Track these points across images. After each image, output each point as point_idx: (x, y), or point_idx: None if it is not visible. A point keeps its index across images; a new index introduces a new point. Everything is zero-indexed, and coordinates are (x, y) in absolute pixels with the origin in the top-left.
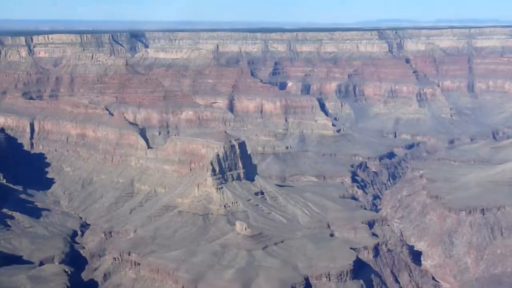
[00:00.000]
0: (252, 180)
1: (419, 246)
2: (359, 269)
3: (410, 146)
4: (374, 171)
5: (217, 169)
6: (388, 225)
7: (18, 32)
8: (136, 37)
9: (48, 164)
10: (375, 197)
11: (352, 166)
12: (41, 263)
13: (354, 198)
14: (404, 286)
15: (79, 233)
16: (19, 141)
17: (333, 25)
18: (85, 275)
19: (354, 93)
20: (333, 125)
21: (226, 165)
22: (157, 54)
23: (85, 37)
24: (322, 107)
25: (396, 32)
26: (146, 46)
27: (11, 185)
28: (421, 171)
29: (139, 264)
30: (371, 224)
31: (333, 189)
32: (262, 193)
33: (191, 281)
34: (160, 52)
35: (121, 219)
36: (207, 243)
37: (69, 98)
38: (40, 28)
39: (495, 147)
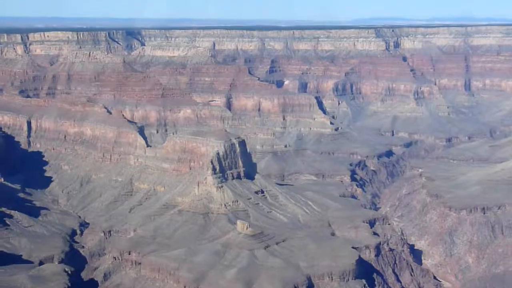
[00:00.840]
0: (252, 178)
1: (420, 245)
2: (361, 268)
3: (408, 145)
4: (372, 170)
5: (217, 167)
6: (389, 224)
7: (13, 29)
8: (132, 34)
9: (46, 163)
10: (374, 195)
11: (350, 164)
12: (41, 263)
13: (353, 196)
14: (405, 285)
15: (78, 232)
16: (16, 139)
17: (330, 23)
18: (85, 275)
19: (351, 91)
20: (331, 123)
21: (226, 164)
22: (154, 52)
23: (81, 35)
24: (320, 105)
25: (393, 30)
26: (143, 44)
27: (9, 184)
28: (420, 170)
29: (139, 263)
30: (371, 223)
31: (333, 187)
32: (263, 191)
33: (193, 280)
34: (157, 50)
35: (121, 218)
36: (208, 242)
37: (67, 96)
38: (35, 26)
39: (493, 146)
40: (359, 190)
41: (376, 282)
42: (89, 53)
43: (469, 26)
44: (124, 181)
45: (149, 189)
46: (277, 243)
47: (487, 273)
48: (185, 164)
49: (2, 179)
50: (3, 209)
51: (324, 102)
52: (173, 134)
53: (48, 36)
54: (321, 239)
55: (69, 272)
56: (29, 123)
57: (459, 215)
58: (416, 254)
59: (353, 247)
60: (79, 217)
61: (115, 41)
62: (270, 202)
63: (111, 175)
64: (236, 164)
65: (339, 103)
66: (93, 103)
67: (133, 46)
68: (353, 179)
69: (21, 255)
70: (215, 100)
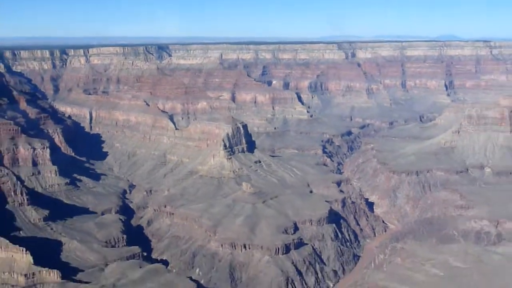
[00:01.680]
0: (252, 152)
1: (372, 198)
2: (332, 216)
3: (362, 127)
4: (337, 145)
5: (227, 144)
6: (350, 184)
7: (77, 46)
8: (162, 48)
9: (103, 142)
10: (339, 163)
11: (322, 141)
12: (102, 213)
13: (324, 164)
14: (363, 227)
15: (128, 191)
16: (81, 125)
17: (304, 39)
18: (133, 222)
19: (321, 88)
20: (307, 111)
21: (234, 142)
22: (178, 61)
23: (126, 49)
24: (299, 98)
25: (350, 45)
26: (170, 55)
27: (78, 157)
28: (371, 145)
29: (172, 213)
30: (338, 183)
31: (310, 158)
32: (260, 161)
33: (211, 226)
34: (180, 59)
35: (158, 181)
36: (222, 198)
37: (117, 93)
38: (92, 43)
39: (422, 127)
40: (328, 160)
41: (342, 226)
42: (132, 62)
43: (404, 42)
44: (159, 154)
45: (177, 160)
46: (271, 199)
47: (419, 217)
48: (204, 142)
49: (73, 153)
50: (75, 175)
51: (302, 96)
52: (194, 120)
53: (102, 50)
54: (303, 195)
55: (123, 220)
56: (90, 113)
57: (400, 177)
58: (370, 205)
59: (326, 201)
60: (128, 180)
61: (150, 53)
62: (265, 169)
63: (150, 150)
64: (241, 141)
65: (312, 97)
66: (136, 98)
67: (163, 57)
68: (324, 152)
69: (88, 208)
70: (223, 95)
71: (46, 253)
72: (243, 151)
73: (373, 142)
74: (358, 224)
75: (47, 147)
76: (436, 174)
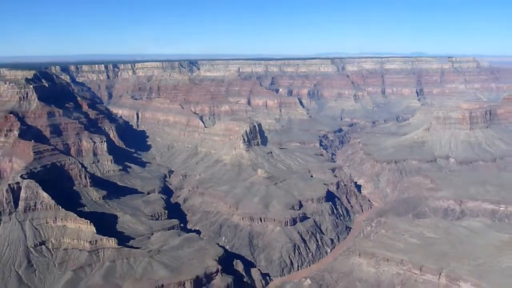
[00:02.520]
0: (265, 145)
1: (360, 182)
2: (329, 195)
3: (351, 125)
4: (331, 139)
5: (246, 139)
6: (342, 171)
7: (126, 61)
8: (192, 63)
9: (147, 137)
10: (333, 154)
11: (319, 136)
12: (148, 193)
13: (321, 155)
14: (353, 205)
15: (168, 176)
16: (130, 123)
17: (304, 56)
18: (173, 200)
19: (317, 95)
20: (307, 113)
21: (251, 137)
22: (205, 73)
23: (164, 64)
24: (300, 103)
25: (341, 60)
26: (198, 69)
27: (128, 149)
28: (358, 139)
29: (203, 193)
30: (333, 170)
31: (310, 150)
32: (271, 152)
33: (234, 203)
34: (207, 72)
35: (191, 168)
36: (241, 181)
37: (158, 99)
38: (137, 59)
39: (399, 126)
40: (324, 151)
41: (337, 204)
42: (169, 74)
43: (383, 57)
44: (192, 147)
45: (206, 152)
46: (281, 182)
47: (398, 197)
48: (227, 137)
49: (124, 146)
50: (126, 163)
51: (302, 101)
52: (219, 120)
53: (146, 65)
54: (305, 179)
55: (164, 198)
56: (137, 114)
57: (382, 165)
58: (358, 187)
59: (323, 184)
60: (167, 167)
61: (183, 67)
62: (276, 158)
63: (184, 143)
64: (256, 137)
65: (310, 102)
66: (173, 103)
67: (193, 70)
68: (320, 145)
69: (137, 189)
70: (241, 101)
71: (105, 224)
72: (258, 144)
73: (359, 137)
74: (349, 202)
75: (104, 141)
76: (411, 163)
